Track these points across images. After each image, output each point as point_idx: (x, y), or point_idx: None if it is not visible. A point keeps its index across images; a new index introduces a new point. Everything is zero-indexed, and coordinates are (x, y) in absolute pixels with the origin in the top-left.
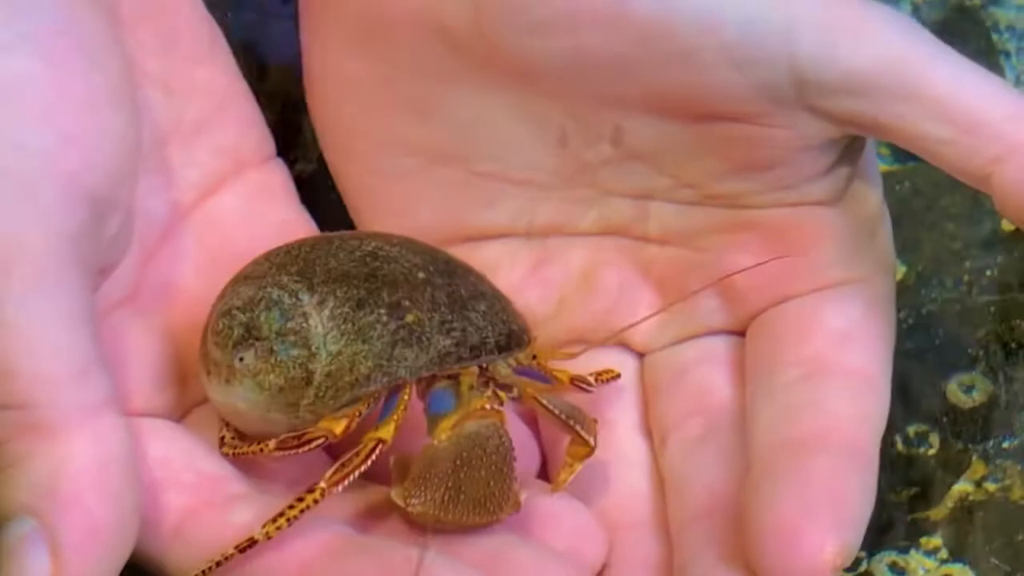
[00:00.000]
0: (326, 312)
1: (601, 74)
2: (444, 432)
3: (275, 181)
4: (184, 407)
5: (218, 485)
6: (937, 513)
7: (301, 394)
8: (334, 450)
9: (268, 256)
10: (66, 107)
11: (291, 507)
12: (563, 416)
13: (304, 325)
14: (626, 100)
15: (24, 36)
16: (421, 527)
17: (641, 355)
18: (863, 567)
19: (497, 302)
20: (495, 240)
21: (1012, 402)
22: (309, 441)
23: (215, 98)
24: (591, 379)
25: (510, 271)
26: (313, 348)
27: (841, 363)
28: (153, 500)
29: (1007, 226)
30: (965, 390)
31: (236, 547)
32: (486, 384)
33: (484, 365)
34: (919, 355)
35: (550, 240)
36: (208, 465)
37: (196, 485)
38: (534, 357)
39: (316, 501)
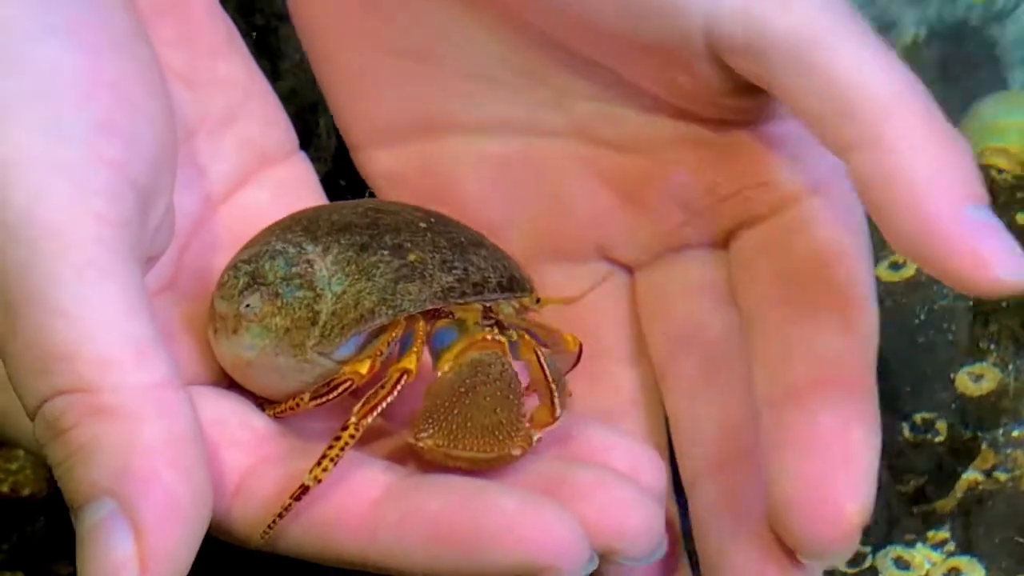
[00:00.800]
0: (330, 258)
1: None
2: (447, 363)
3: (301, 175)
4: (228, 384)
5: (274, 440)
6: (945, 505)
7: (307, 334)
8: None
9: (271, 225)
10: (102, 94)
11: (330, 447)
12: (549, 377)
13: (309, 270)
14: (577, 24)
15: (54, 27)
16: (435, 466)
17: (630, 270)
18: (868, 562)
19: (498, 251)
20: (462, 140)
21: (1022, 390)
22: (338, 386)
23: (238, 92)
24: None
25: (473, 179)
26: (318, 289)
27: (824, 290)
28: (212, 461)
29: (1022, 219)
30: (975, 379)
31: (291, 496)
32: (492, 325)
33: (488, 305)
34: (929, 349)
35: (515, 146)
36: (260, 423)
37: (252, 442)
38: (537, 301)
39: (352, 436)
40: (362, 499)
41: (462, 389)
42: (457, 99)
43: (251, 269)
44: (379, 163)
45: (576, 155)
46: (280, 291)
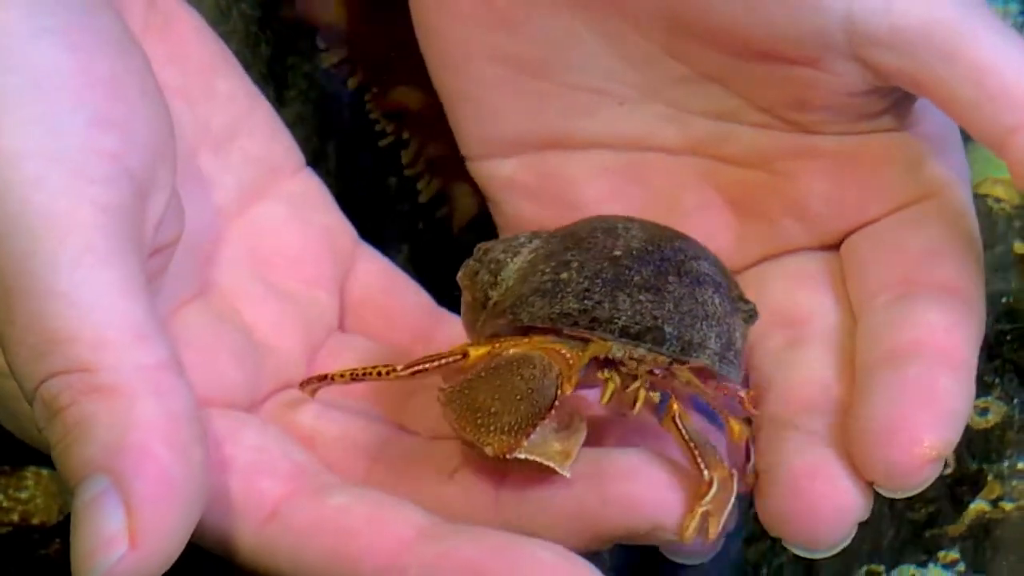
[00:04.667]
0: (532, 255)
1: (671, 4)
2: (509, 349)
3: (312, 188)
4: (262, 394)
5: (313, 474)
6: (955, 529)
7: (479, 315)
8: None
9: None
10: (96, 90)
11: (373, 368)
12: (691, 444)
13: (508, 260)
14: (696, 31)
15: (48, 28)
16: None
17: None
18: None
19: (676, 309)
20: (580, 152)
21: None
22: (441, 358)
23: (238, 107)
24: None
25: (591, 186)
26: (499, 278)
27: (930, 281)
28: (248, 484)
29: (1020, 248)
30: (980, 412)
31: (308, 380)
32: (610, 365)
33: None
34: None
35: (632, 157)
36: (302, 457)
37: (292, 473)
38: (670, 364)
39: (380, 374)
40: (392, 538)
41: (488, 367)
42: (575, 113)
43: (489, 245)
44: (500, 171)
45: (692, 168)
46: (478, 270)
